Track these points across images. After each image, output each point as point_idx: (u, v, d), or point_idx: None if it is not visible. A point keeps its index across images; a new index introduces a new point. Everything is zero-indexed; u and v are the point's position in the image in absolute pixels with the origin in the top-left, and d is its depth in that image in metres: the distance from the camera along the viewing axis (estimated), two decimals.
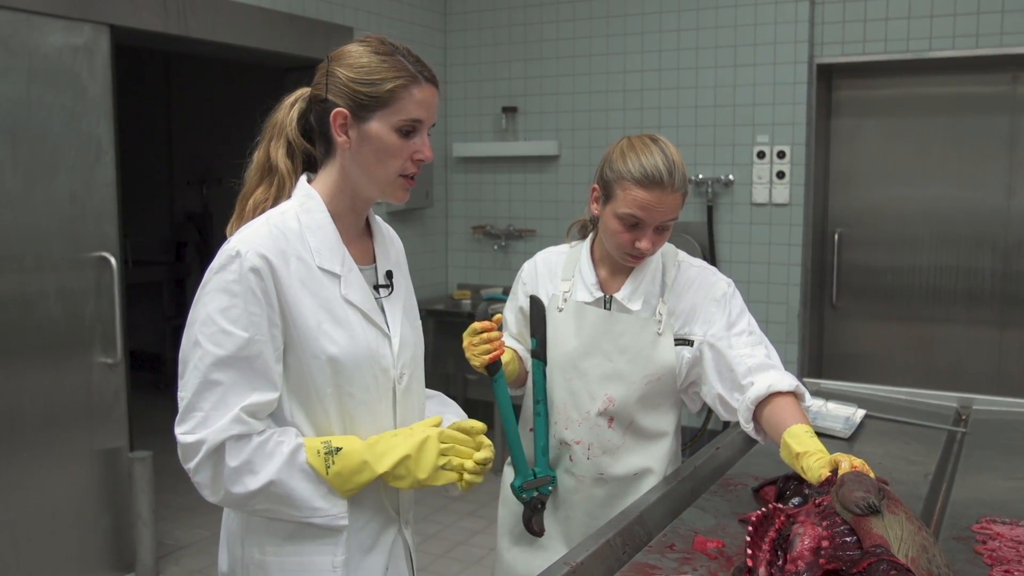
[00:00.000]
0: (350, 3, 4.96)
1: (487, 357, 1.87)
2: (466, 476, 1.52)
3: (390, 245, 1.68)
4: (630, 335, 1.99)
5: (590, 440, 2.02)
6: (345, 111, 1.48)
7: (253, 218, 1.52)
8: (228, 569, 1.57)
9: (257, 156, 1.59)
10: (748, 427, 1.89)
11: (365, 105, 1.47)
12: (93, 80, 3.56)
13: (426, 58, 1.56)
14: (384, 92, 1.46)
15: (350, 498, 1.51)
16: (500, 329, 1.91)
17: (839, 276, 5.02)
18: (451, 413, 1.75)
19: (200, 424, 1.40)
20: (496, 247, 5.72)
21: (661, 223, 1.90)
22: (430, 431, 1.52)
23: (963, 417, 2.63)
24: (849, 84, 4.94)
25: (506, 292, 2.18)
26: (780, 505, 1.55)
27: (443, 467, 1.51)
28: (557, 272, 2.11)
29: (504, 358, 1.95)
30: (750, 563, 1.42)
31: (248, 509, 1.47)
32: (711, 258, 4.89)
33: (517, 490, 1.99)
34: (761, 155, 4.84)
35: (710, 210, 4.95)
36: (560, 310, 2.05)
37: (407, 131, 1.49)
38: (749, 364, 1.90)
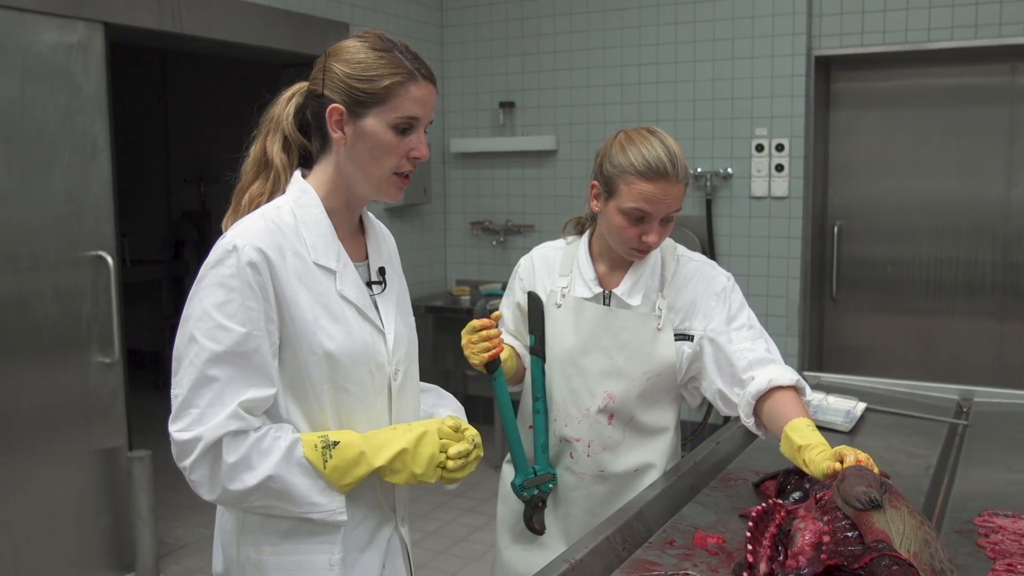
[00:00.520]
0: None
1: (486, 355, 1.86)
2: (448, 464, 1.50)
3: (382, 241, 1.67)
4: (630, 331, 1.98)
5: (590, 437, 2.01)
6: (341, 107, 1.47)
7: (249, 212, 1.51)
8: (223, 569, 1.56)
9: (253, 151, 1.57)
10: (748, 422, 1.88)
11: (361, 101, 1.46)
12: (88, 78, 3.54)
13: (422, 53, 1.54)
14: (381, 89, 1.45)
15: (347, 495, 1.50)
16: (498, 326, 1.90)
17: (839, 269, 5.01)
18: (448, 407, 1.75)
19: (196, 421, 1.38)
20: (495, 243, 5.71)
21: (666, 215, 1.89)
22: (429, 426, 1.51)
23: (964, 410, 2.62)
24: (847, 76, 4.92)
25: (505, 288, 2.16)
26: (780, 500, 1.54)
27: (440, 465, 1.50)
28: (555, 268, 2.09)
29: (502, 355, 1.94)
30: (751, 559, 1.41)
31: (245, 506, 1.45)
32: (710, 252, 4.88)
33: (518, 488, 1.98)
34: (760, 148, 4.83)
35: (709, 204, 4.93)
36: (558, 306, 2.04)
37: (403, 128, 1.47)
38: (749, 358, 1.89)
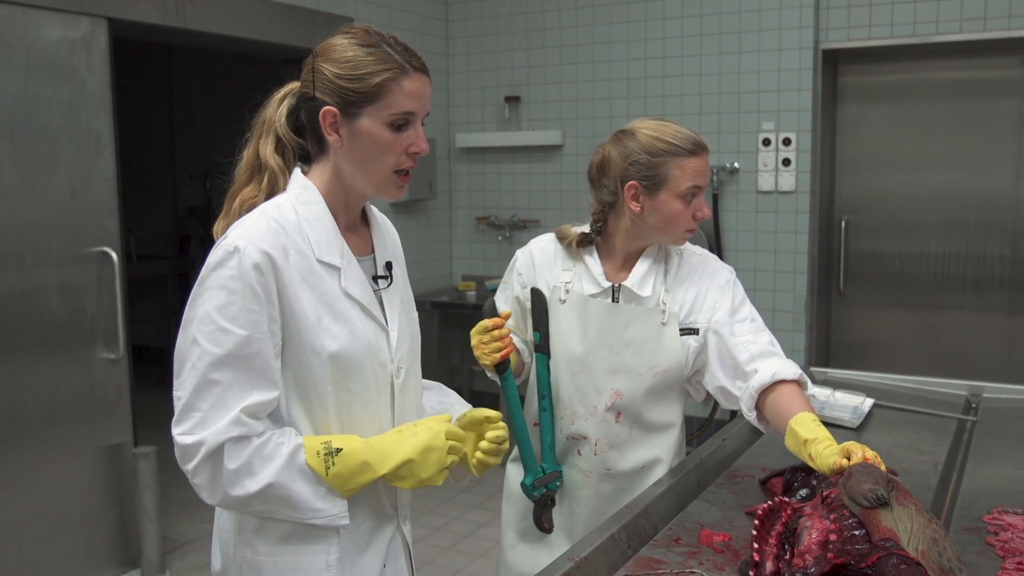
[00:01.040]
0: None
1: (498, 356, 1.84)
2: (479, 456, 1.51)
3: (387, 235, 1.65)
4: (635, 327, 1.96)
5: (597, 435, 1.99)
6: (334, 109, 1.44)
7: (240, 216, 1.48)
8: (221, 568, 1.55)
9: (246, 154, 1.55)
10: (751, 415, 1.86)
11: (353, 102, 1.43)
12: (92, 74, 3.54)
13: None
14: (372, 87, 1.42)
15: (348, 501, 1.49)
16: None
17: (846, 263, 4.98)
18: (454, 403, 1.73)
19: (199, 425, 1.37)
20: (500, 238, 5.69)
21: (705, 186, 1.95)
22: (437, 428, 1.49)
23: (973, 405, 2.60)
24: (855, 69, 4.89)
25: None
26: (787, 498, 1.52)
27: (449, 467, 1.48)
28: (556, 261, 2.07)
29: None
30: (757, 557, 1.40)
31: (247, 511, 1.44)
32: (716, 247, 4.85)
33: (528, 488, 1.96)
34: (766, 142, 4.80)
35: (716, 198, 4.91)
36: (563, 302, 2.02)
37: (399, 125, 1.45)
38: (752, 351, 1.88)
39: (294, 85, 1.54)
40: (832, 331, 5.12)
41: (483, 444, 1.54)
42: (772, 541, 1.42)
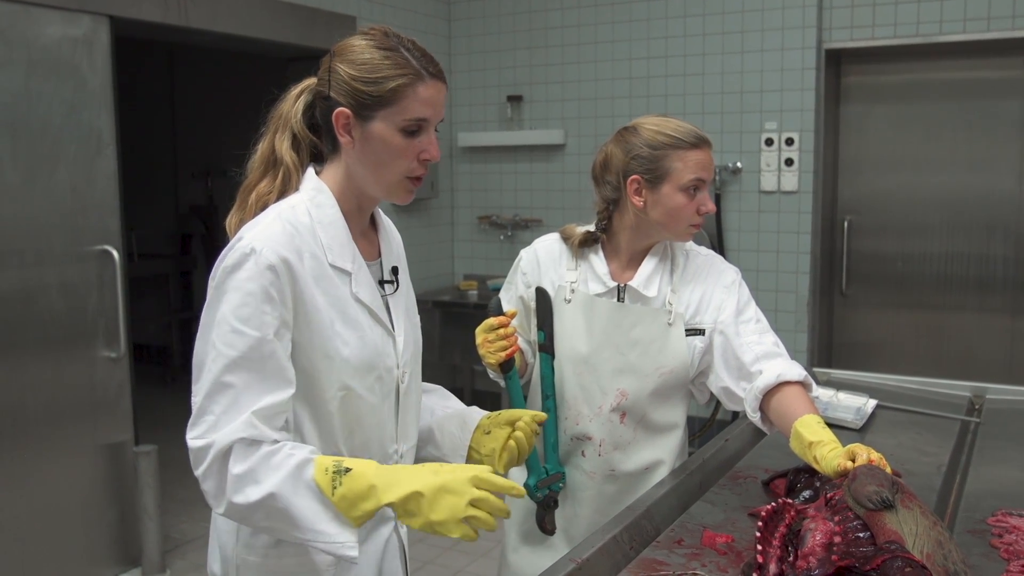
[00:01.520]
0: None
1: (503, 355, 1.83)
2: (511, 443, 1.49)
3: (392, 240, 1.64)
4: (641, 327, 1.95)
5: (601, 436, 1.99)
6: (348, 111, 1.42)
7: (256, 211, 1.47)
8: (221, 571, 1.54)
9: (261, 148, 1.53)
10: (755, 416, 1.86)
11: (368, 104, 1.41)
12: (93, 72, 3.53)
13: (430, 47, 1.51)
14: (387, 91, 1.40)
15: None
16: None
17: (849, 264, 4.97)
18: (460, 409, 1.72)
19: (211, 428, 1.34)
20: (502, 237, 5.69)
21: (711, 181, 1.95)
22: (463, 473, 1.34)
23: (976, 407, 2.59)
24: (858, 69, 4.88)
25: None
26: (790, 499, 1.51)
27: (466, 519, 1.32)
28: (561, 261, 2.06)
29: None
30: (760, 559, 1.39)
31: (252, 524, 1.37)
32: (719, 247, 4.84)
33: (531, 489, 1.95)
34: (769, 142, 4.79)
35: (718, 198, 4.90)
36: (568, 302, 2.01)
37: (412, 130, 1.43)
38: (757, 352, 1.87)
39: (311, 81, 1.53)
40: (835, 331, 5.11)
41: (521, 424, 1.51)
42: (775, 543, 1.41)
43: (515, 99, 5.53)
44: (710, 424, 2.73)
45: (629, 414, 1.97)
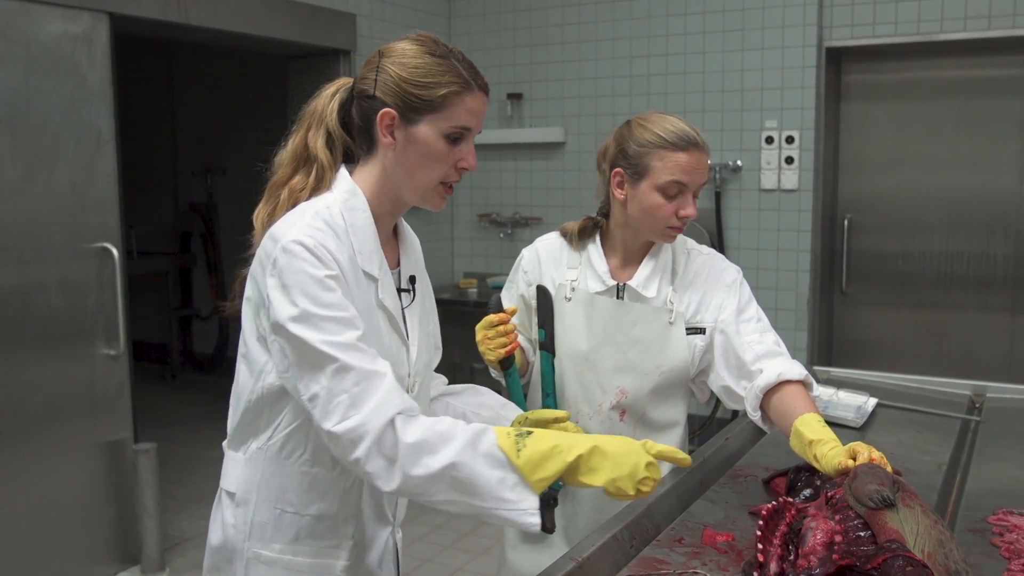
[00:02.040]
0: None
1: (503, 351, 1.83)
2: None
3: (412, 249, 1.64)
4: (642, 325, 1.95)
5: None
6: (393, 112, 1.43)
7: (289, 207, 1.46)
8: (224, 565, 1.53)
9: (293, 143, 1.52)
10: (755, 415, 1.85)
11: (416, 107, 1.42)
12: (93, 69, 3.52)
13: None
14: (437, 97, 1.42)
15: (353, 498, 1.48)
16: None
17: (849, 262, 4.96)
18: (493, 402, 1.73)
19: (351, 408, 1.30)
20: (502, 235, 5.68)
21: (697, 186, 1.89)
22: (636, 443, 1.40)
23: (977, 405, 2.58)
24: (859, 68, 4.87)
25: None
26: (791, 498, 1.51)
27: (644, 482, 1.37)
28: (561, 260, 2.06)
29: None
30: (761, 558, 1.39)
31: (428, 496, 1.33)
32: (719, 245, 4.84)
33: None
34: (769, 140, 4.78)
35: (718, 196, 4.89)
36: (568, 300, 2.01)
37: (455, 138, 1.45)
38: (757, 351, 1.87)
39: (346, 81, 1.53)
40: (835, 330, 5.10)
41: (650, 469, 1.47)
42: (776, 542, 1.41)
43: (515, 97, 5.53)
44: (710, 422, 2.73)
45: (629, 412, 1.97)
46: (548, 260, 2.07)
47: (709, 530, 1.64)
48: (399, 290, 1.56)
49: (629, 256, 1.99)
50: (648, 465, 1.37)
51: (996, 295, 4.66)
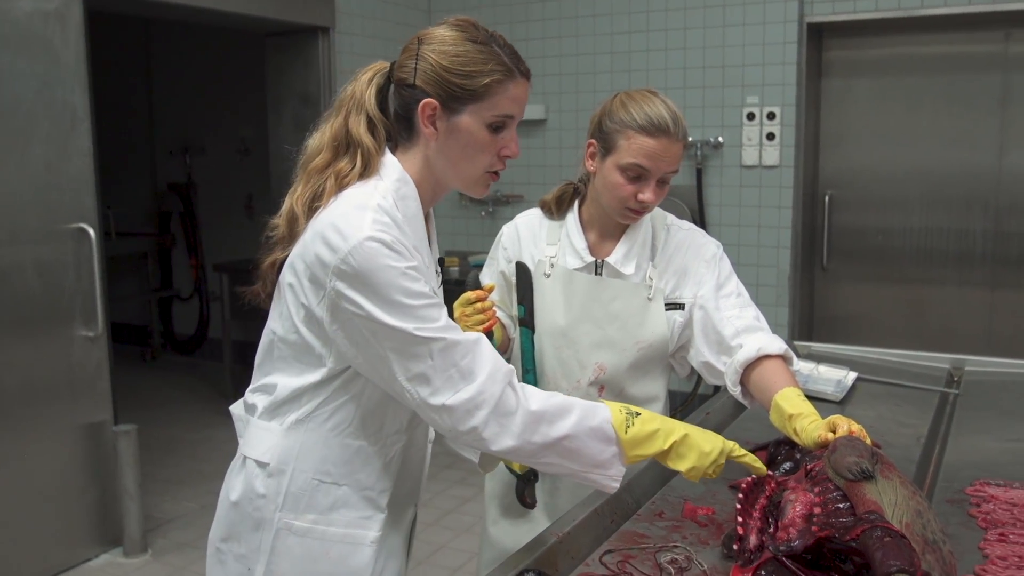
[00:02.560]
0: None
1: (481, 328, 1.83)
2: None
3: (435, 231, 1.63)
4: (620, 301, 1.95)
5: None
6: (435, 102, 1.40)
7: (336, 192, 1.43)
8: (248, 534, 1.50)
9: (331, 127, 1.48)
10: (735, 390, 1.85)
11: (458, 97, 1.40)
12: (66, 47, 3.47)
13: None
14: (480, 86, 1.39)
15: (397, 476, 1.50)
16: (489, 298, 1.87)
17: (829, 238, 4.98)
18: None
19: (462, 379, 1.35)
20: (483, 213, 5.67)
21: (663, 174, 1.85)
22: (721, 439, 1.52)
23: (955, 379, 2.60)
24: (839, 43, 4.87)
25: None
26: (771, 471, 1.52)
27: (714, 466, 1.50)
28: (540, 236, 2.05)
29: None
30: (741, 531, 1.39)
31: (533, 459, 1.43)
32: (700, 221, 4.84)
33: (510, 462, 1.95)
34: (751, 117, 4.78)
35: (699, 173, 4.89)
36: (547, 276, 2.00)
37: (497, 126, 1.43)
38: (737, 326, 1.86)
39: (383, 65, 1.50)
40: (815, 305, 5.13)
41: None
42: (756, 515, 1.42)
43: None
44: (692, 398, 2.74)
45: (608, 388, 1.97)
46: (527, 236, 2.07)
47: (689, 504, 1.65)
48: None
49: (607, 230, 1.98)
50: (720, 458, 1.50)
51: (975, 270, 4.69)
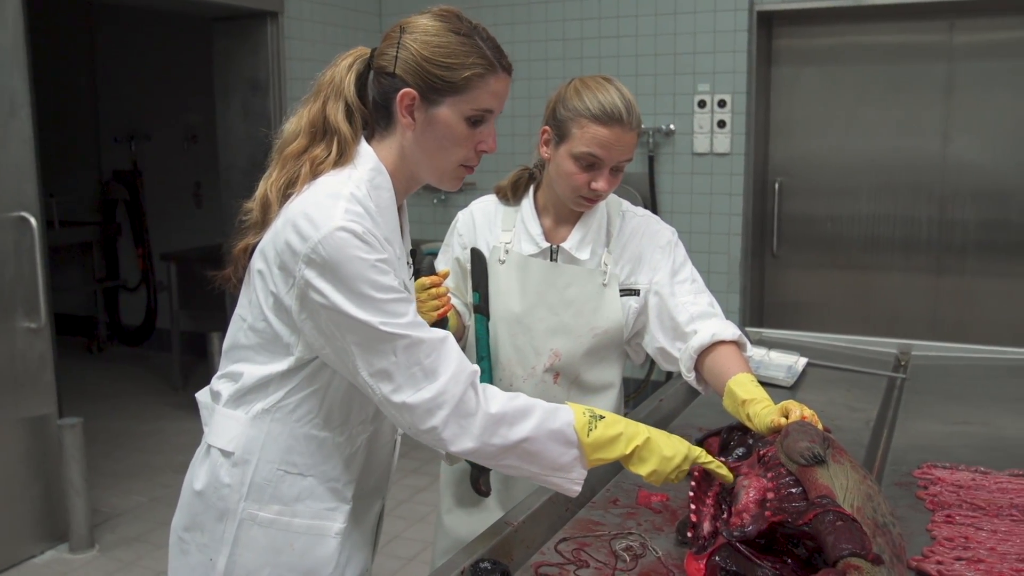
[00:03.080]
0: None
1: (435, 314, 1.81)
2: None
3: (407, 223, 1.61)
4: (575, 287, 1.94)
5: (535, 397, 1.97)
6: (414, 92, 1.38)
7: (310, 179, 1.41)
8: (210, 524, 1.47)
9: (308, 112, 1.45)
10: (690, 376, 1.86)
11: (437, 89, 1.38)
12: (4, 28, 3.36)
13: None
14: (460, 79, 1.38)
15: (364, 467, 1.49)
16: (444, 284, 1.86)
17: (779, 225, 5.04)
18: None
19: (425, 378, 1.33)
20: (435, 201, 5.64)
21: (617, 163, 1.85)
22: (686, 445, 1.48)
23: (902, 363, 2.65)
24: (789, 32, 4.91)
25: None
26: (724, 457, 1.52)
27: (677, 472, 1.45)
28: (496, 222, 2.04)
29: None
30: (694, 518, 1.40)
31: (493, 461, 1.41)
32: (652, 208, 4.84)
33: None
34: (702, 104, 4.81)
35: (651, 160, 4.91)
36: (502, 262, 1.99)
37: (476, 120, 1.41)
38: (692, 312, 1.87)
39: (362, 51, 1.47)
40: (766, 292, 5.19)
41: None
42: (709, 501, 1.42)
43: None
44: (645, 385, 2.75)
45: (562, 375, 1.97)
46: (483, 223, 2.06)
47: (643, 491, 1.65)
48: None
49: (562, 216, 1.98)
50: (684, 464, 1.45)
51: (921, 256, 4.78)
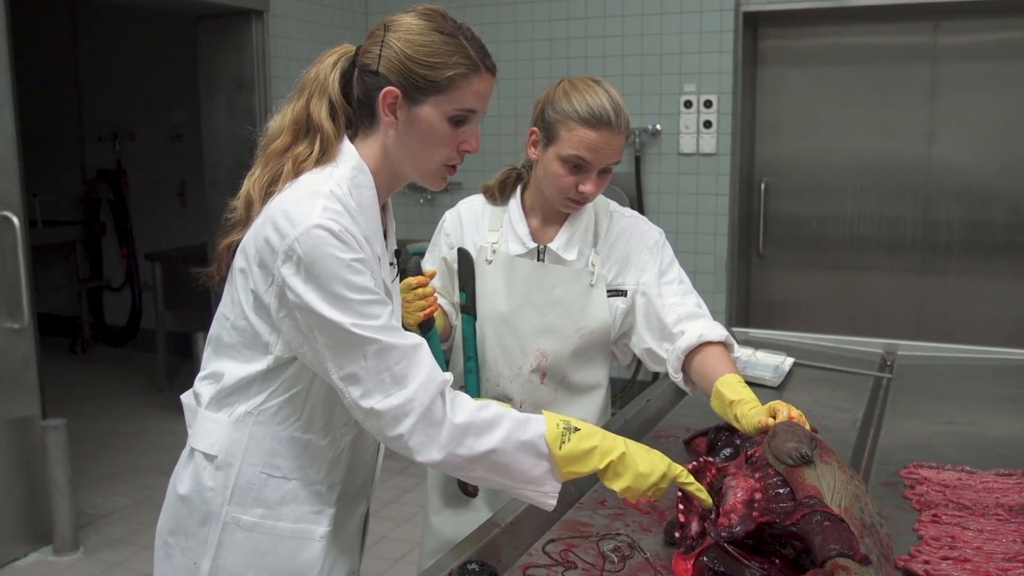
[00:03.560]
0: None
1: (422, 314, 1.81)
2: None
3: (392, 223, 1.60)
4: (563, 287, 1.94)
5: (522, 397, 1.97)
6: (397, 91, 1.38)
7: (292, 177, 1.40)
8: (194, 528, 1.46)
9: (292, 110, 1.45)
10: (677, 377, 1.86)
11: (420, 88, 1.38)
12: None
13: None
14: (444, 79, 1.38)
15: (348, 467, 1.48)
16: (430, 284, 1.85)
17: (765, 226, 5.05)
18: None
19: (394, 384, 1.31)
20: (422, 200, 5.62)
21: (605, 165, 1.84)
22: (662, 458, 1.43)
23: (888, 363, 2.66)
24: (775, 33, 4.93)
25: None
26: (711, 458, 1.52)
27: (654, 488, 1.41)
28: (483, 222, 2.04)
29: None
30: (682, 518, 1.40)
31: (462, 472, 1.38)
32: (639, 209, 4.85)
33: None
34: (688, 104, 4.81)
35: (637, 160, 4.92)
36: (489, 262, 1.99)
37: (459, 120, 1.41)
38: (679, 312, 1.87)
39: (347, 48, 1.47)
40: (752, 292, 5.20)
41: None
42: (697, 502, 1.42)
43: None
44: (631, 385, 2.75)
45: (549, 375, 1.96)
46: (470, 222, 2.05)
47: None
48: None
49: (550, 217, 1.98)
50: (662, 482, 1.41)
51: (906, 256, 4.80)
